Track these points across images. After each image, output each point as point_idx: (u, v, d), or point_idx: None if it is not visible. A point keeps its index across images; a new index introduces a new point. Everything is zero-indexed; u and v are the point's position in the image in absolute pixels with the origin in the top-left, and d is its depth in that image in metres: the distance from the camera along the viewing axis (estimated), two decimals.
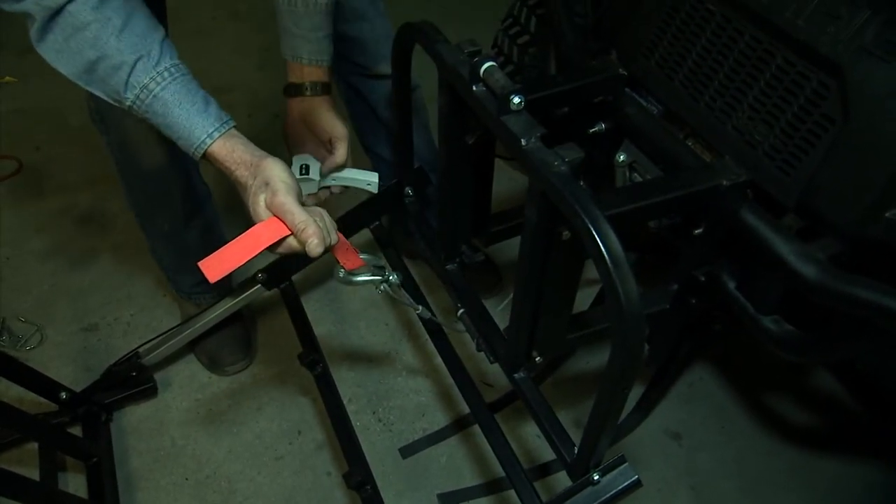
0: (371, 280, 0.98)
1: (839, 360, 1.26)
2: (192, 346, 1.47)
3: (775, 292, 0.86)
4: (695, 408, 1.42)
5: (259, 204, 0.84)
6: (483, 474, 1.31)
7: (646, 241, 1.23)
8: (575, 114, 1.03)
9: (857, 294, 0.72)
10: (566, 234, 0.76)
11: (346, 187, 1.15)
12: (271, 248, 0.85)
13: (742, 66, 0.87)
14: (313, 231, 0.83)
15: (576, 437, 0.87)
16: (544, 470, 1.30)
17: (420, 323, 1.27)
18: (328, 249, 0.88)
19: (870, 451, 1.35)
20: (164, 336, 1.37)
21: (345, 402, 1.33)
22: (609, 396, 0.74)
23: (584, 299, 1.38)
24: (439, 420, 1.40)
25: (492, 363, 1.05)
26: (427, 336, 1.26)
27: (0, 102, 2.13)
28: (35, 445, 1.23)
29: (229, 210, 1.55)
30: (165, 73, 0.82)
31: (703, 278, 0.92)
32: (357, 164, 1.15)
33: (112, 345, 1.51)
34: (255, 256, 0.84)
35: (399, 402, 1.44)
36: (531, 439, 1.36)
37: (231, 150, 0.86)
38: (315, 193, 1.10)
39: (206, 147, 0.85)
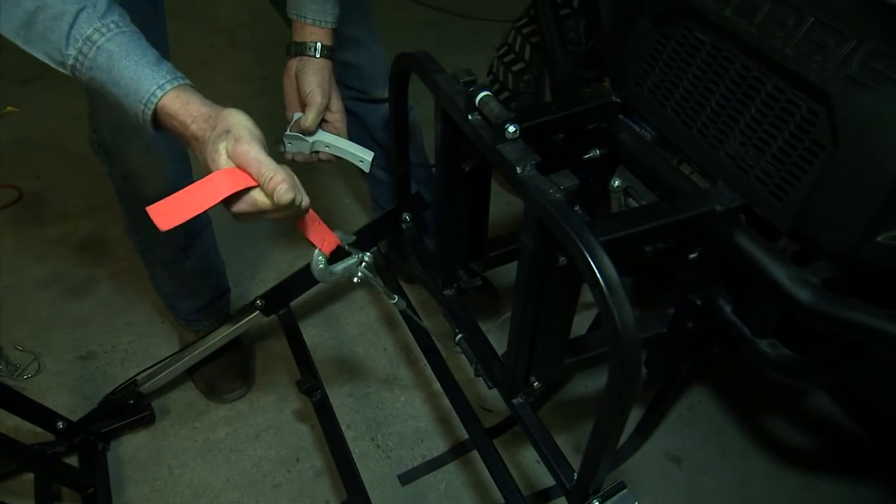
0: (348, 266, 0.92)
1: (837, 383, 1.26)
2: (190, 374, 1.47)
3: (771, 316, 0.87)
4: (695, 431, 1.42)
5: (219, 153, 0.73)
6: (483, 501, 1.30)
7: (643, 264, 1.24)
8: (570, 140, 1.04)
9: (850, 318, 0.73)
10: (562, 259, 0.76)
11: (338, 158, 1.12)
12: (230, 205, 0.75)
13: (733, 94, 0.89)
14: (282, 178, 0.73)
15: (576, 461, 0.87)
16: (544, 496, 1.29)
17: (419, 347, 1.27)
18: (299, 212, 0.78)
19: (870, 473, 1.34)
20: (162, 364, 1.36)
21: (343, 428, 1.32)
22: (607, 422, 0.74)
23: (582, 322, 1.39)
24: (438, 446, 1.40)
25: (490, 388, 1.05)
26: (426, 360, 1.26)
27: (1, 132, 2.15)
28: (31, 476, 1.22)
29: (225, 233, 1.56)
30: (112, 25, 0.74)
31: (699, 302, 0.92)
32: (353, 182, 1.15)
33: (110, 373, 1.50)
34: (211, 208, 0.74)
35: (398, 427, 1.43)
36: (531, 465, 1.35)
37: (185, 103, 0.75)
38: (306, 154, 1.12)
39: (156, 100, 0.74)
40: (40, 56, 0.75)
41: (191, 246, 1.35)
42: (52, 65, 0.76)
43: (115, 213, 1.85)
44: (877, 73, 0.72)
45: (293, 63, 1.08)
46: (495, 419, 1.41)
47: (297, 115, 1.10)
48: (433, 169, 1.25)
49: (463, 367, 1.42)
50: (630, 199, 1.06)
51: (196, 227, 1.35)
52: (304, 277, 1.33)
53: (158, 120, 0.77)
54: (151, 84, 0.74)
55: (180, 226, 1.28)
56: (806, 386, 1.41)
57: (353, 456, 1.18)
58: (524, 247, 0.77)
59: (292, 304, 1.38)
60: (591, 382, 1.49)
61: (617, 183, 1.05)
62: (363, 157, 1.10)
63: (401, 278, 1.51)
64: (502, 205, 1.75)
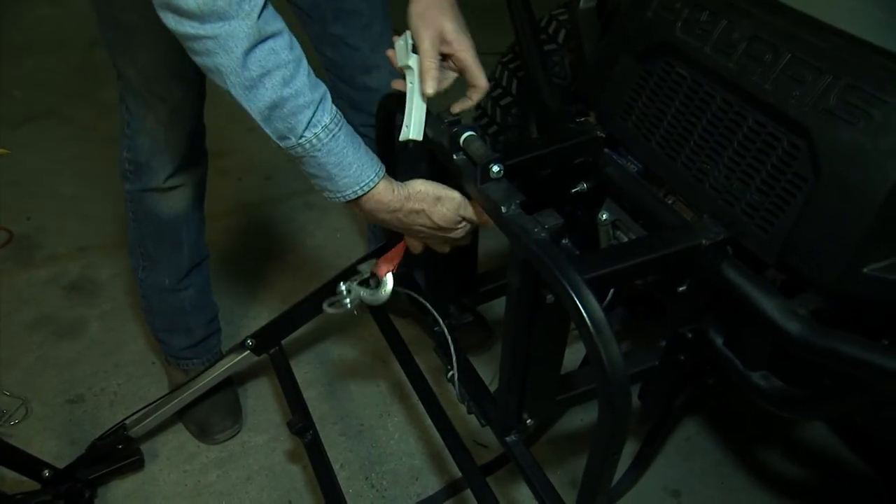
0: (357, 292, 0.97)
1: (831, 415, 1.25)
2: (180, 415, 1.45)
3: (762, 348, 0.87)
4: (693, 463, 1.40)
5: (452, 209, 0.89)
6: None
7: (635, 295, 1.24)
8: (557, 175, 1.05)
9: (840, 350, 0.72)
10: (550, 297, 0.76)
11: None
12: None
13: (715, 128, 0.90)
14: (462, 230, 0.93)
15: (572, 497, 0.85)
16: None
17: (411, 384, 1.26)
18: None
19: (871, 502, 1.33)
20: (151, 406, 1.34)
21: (337, 467, 1.30)
22: (599, 462, 0.73)
23: (576, 355, 1.37)
24: (433, 484, 1.37)
25: (483, 426, 1.03)
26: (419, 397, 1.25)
27: None
28: None
29: (217, 270, 1.55)
30: (339, 115, 0.81)
31: (690, 335, 0.92)
32: (348, 216, 1.15)
33: (99, 416, 1.48)
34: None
35: (392, 466, 1.41)
36: (526, 502, 1.32)
37: (391, 188, 0.86)
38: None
39: (373, 185, 0.84)
40: (268, 131, 0.79)
41: (191, 275, 1.39)
42: (275, 139, 0.80)
43: (104, 254, 1.87)
44: (854, 108, 0.73)
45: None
46: (490, 454, 1.38)
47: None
48: None
49: (456, 402, 1.41)
50: (618, 232, 1.06)
51: (197, 258, 1.39)
52: (295, 315, 1.32)
53: (360, 200, 0.86)
54: (371, 172, 0.83)
55: (185, 250, 1.34)
56: (800, 418, 1.39)
57: (347, 497, 1.16)
58: (511, 285, 0.77)
59: (284, 341, 1.36)
60: (587, 416, 1.47)
61: (605, 216, 1.06)
62: (407, 124, 0.90)
63: (392, 314, 1.50)
64: (492, 236, 1.75)
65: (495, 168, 0.77)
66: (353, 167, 0.82)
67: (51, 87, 2.56)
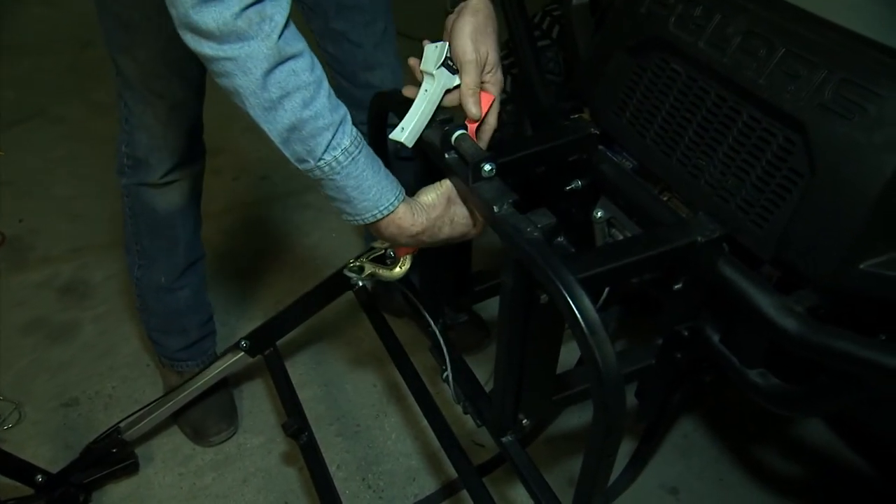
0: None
1: (828, 412, 1.25)
2: (175, 418, 1.44)
3: (759, 346, 0.86)
4: (691, 460, 1.39)
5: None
6: None
7: (630, 292, 1.23)
8: (551, 172, 1.04)
9: (837, 347, 0.71)
10: (544, 297, 0.75)
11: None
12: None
13: (710, 123, 0.89)
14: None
15: (569, 496, 0.84)
16: None
17: (406, 384, 1.25)
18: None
19: (870, 499, 1.32)
20: (146, 409, 1.33)
21: (333, 468, 1.29)
22: (595, 463, 0.72)
23: (572, 353, 1.36)
24: (431, 484, 1.37)
25: (479, 427, 1.03)
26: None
27: None
28: None
29: (212, 270, 1.54)
30: (359, 137, 0.80)
31: (686, 333, 0.91)
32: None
33: (93, 419, 1.47)
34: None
35: (389, 466, 1.40)
36: (523, 502, 1.32)
37: (412, 213, 0.85)
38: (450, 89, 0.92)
39: (393, 209, 0.82)
40: (287, 154, 0.78)
41: (187, 274, 1.39)
42: (293, 162, 0.78)
43: (98, 255, 1.86)
44: (849, 102, 0.72)
45: (450, 18, 0.92)
46: (488, 454, 1.38)
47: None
48: None
49: (453, 402, 1.40)
50: (613, 230, 1.05)
51: (192, 256, 1.39)
52: (290, 316, 1.32)
53: (379, 223, 0.84)
54: (390, 195, 0.81)
55: (181, 248, 1.33)
56: (797, 415, 1.39)
57: (344, 498, 1.16)
58: (505, 285, 0.76)
59: (279, 342, 1.36)
60: (585, 414, 1.47)
61: (600, 213, 1.04)
62: (404, 126, 0.89)
63: (388, 313, 1.49)
64: (487, 234, 1.74)
65: (487, 167, 0.76)
66: (372, 190, 0.80)
67: (43, 88, 2.54)
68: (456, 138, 0.80)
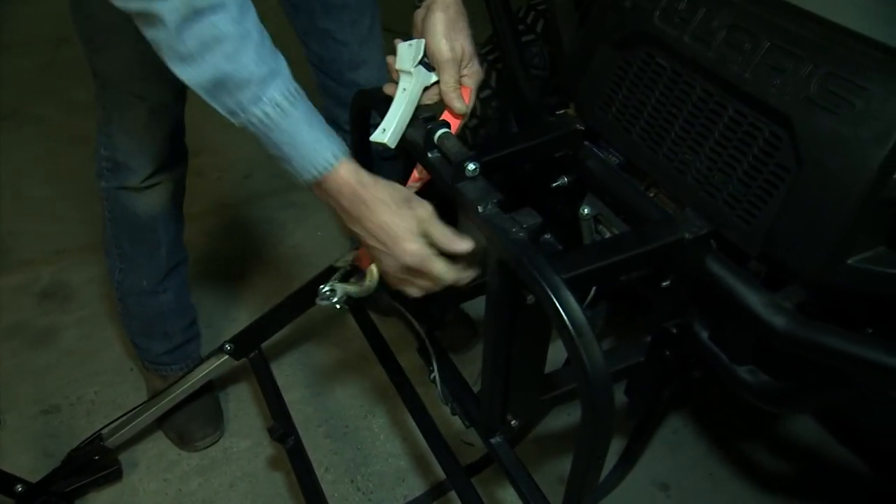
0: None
1: (817, 408, 1.25)
2: (159, 423, 1.41)
3: (748, 342, 0.85)
4: (681, 455, 1.39)
5: (406, 219, 0.79)
6: None
7: (618, 289, 1.22)
8: (536, 169, 1.03)
9: (826, 343, 0.71)
10: (530, 298, 0.74)
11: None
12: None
13: (696, 118, 0.88)
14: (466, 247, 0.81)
15: (560, 493, 0.83)
16: None
17: (394, 385, 1.23)
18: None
19: (861, 493, 1.33)
20: (129, 415, 1.31)
21: (321, 471, 1.28)
22: (585, 463, 0.71)
23: (559, 351, 1.36)
24: (420, 485, 1.35)
25: (467, 428, 1.02)
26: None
27: None
28: None
29: (196, 272, 1.52)
30: (296, 92, 0.77)
31: (675, 330, 0.91)
32: (329, 216, 1.08)
33: (75, 426, 1.44)
34: None
35: (378, 467, 1.39)
36: (512, 502, 1.31)
37: (356, 172, 0.79)
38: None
39: (331, 167, 0.78)
40: (216, 106, 0.76)
41: (169, 277, 1.36)
42: (224, 115, 0.76)
43: (78, 258, 1.82)
44: (835, 96, 0.72)
45: (419, 14, 0.89)
46: (478, 452, 1.37)
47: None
48: None
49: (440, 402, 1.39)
50: (601, 226, 1.04)
51: (175, 259, 1.36)
52: (274, 319, 1.30)
53: (321, 183, 0.80)
54: (327, 152, 0.77)
55: (163, 251, 1.30)
56: (787, 412, 1.39)
57: (332, 501, 1.15)
58: (490, 286, 0.75)
59: (264, 344, 1.34)
60: (574, 411, 1.46)
61: (586, 210, 1.03)
62: (385, 127, 0.87)
63: (375, 312, 1.47)
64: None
65: (470, 166, 0.75)
66: (306, 146, 0.76)
67: (20, 87, 2.49)
68: (439, 137, 0.78)
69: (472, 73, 0.88)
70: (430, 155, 0.80)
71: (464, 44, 0.86)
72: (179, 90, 1.14)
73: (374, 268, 0.88)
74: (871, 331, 0.81)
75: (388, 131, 0.85)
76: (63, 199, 2.01)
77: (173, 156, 1.23)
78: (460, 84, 0.87)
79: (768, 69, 0.78)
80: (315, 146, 0.77)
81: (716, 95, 0.85)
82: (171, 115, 1.17)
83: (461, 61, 0.86)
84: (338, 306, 0.91)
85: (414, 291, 0.84)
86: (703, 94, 0.86)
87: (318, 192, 0.82)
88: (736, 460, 1.38)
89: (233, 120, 0.76)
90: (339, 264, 0.95)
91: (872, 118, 0.69)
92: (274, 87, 0.74)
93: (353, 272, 0.94)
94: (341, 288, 0.90)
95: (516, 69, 1.22)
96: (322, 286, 0.91)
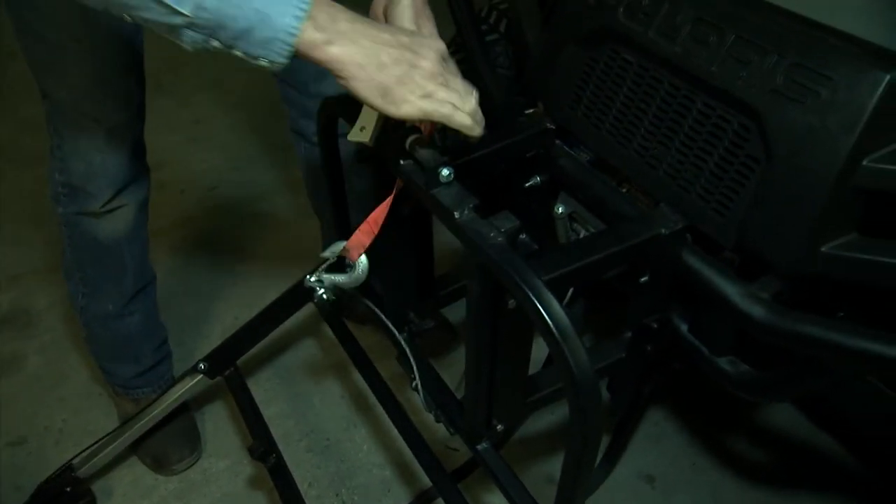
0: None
1: (798, 396, 1.27)
2: (133, 448, 1.37)
3: (727, 333, 0.86)
4: (664, 447, 1.40)
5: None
6: None
7: (594, 287, 1.22)
8: (509, 170, 1.02)
9: (804, 332, 0.72)
10: (511, 302, 0.73)
11: None
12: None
13: (665, 113, 0.88)
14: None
15: (548, 492, 0.82)
16: None
17: (374, 394, 1.22)
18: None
19: (844, 480, 1.35)
20: (101, 442, 1.26)
21: (305, 486, 1.25)
22: (576, 464, 0.71)
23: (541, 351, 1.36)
24: (406, 494, 1.34)
25: (452, 435, 1.00)
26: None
27: None
28: None
29: (165, 289, 1.48)
30: None
31: (654, 325, 0.91)
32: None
33: (44, 457, 1.39)
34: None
35: (363, 479, 1.37)
36: None
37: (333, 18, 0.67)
38: None
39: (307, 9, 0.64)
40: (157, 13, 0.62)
41: (136, 299, 1.31)
42: (170, 2, 0.61)
43: (39, 281, 1.76)
44: (801, 87, 0.72)
45: (378, 4, 0.83)
46: (462, 457, 1.36)
47: None
48: None
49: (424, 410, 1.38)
50: (576, 224, 1.04)
51: (142, 281, 1.31)
52: (248, 334, 1.27)
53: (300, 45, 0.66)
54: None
55: (129, 274, 1.25)
56: (768, 401, 1.41)
57: None
58: (471, 293, 0.74)
59: (239, 361, 1.30)
60: (557, 409, 1.46)
61: (561, 209, 1.03)
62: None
63: (350, 321, 1.45)
64: (446, 235, 1.72)
65: (444, 172, 0.74)
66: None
67: None
68: (410, 143, 0.77)
69: None
70: (402, 162, 0.79)
71: (431, 31, 0.81)
72: (137, 109, 1.10)
73: (362, 259, 0.86)
74: (842, 314, 0.82)
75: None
76: (17, 221, 1.93)
77: (134, 176, 1.18)
78: None
79: (734, 62, 0.78)
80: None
81: (683, 89, 0.85)
82: (130, 134, 1.13)
83: None
84: (324, 296, 0.89)
85: (445, 108, 0.74)
86: (671, 88, 0.86)
87: (305, 47, 0.67)
88: (718, 449, 1.40)
89: (179, 17, 0.62)
90: (325, 255, 0.92)
91: (838, 107, 0.70)
92: None
93: (340, 263, 0.92)
94: (328, 278, 0.88)
95: (482, 69, 1.21)
96: (308, 276, 0.89)
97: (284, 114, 1.32)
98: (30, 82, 1.06)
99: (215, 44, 0.65)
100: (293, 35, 0.65)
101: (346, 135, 0.86)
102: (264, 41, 0.64)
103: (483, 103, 0.83)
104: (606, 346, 0.95)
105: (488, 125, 1.36)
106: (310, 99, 1.22)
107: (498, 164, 0.98)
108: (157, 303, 1.39)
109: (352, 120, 0.86)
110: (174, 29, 0.63)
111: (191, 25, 0.63)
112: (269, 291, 1.66)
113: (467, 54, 1.29)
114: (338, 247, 0.91)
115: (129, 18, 0.64)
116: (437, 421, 1.02)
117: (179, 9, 0.61)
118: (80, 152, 1.10)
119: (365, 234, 0.89)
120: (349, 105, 0.89)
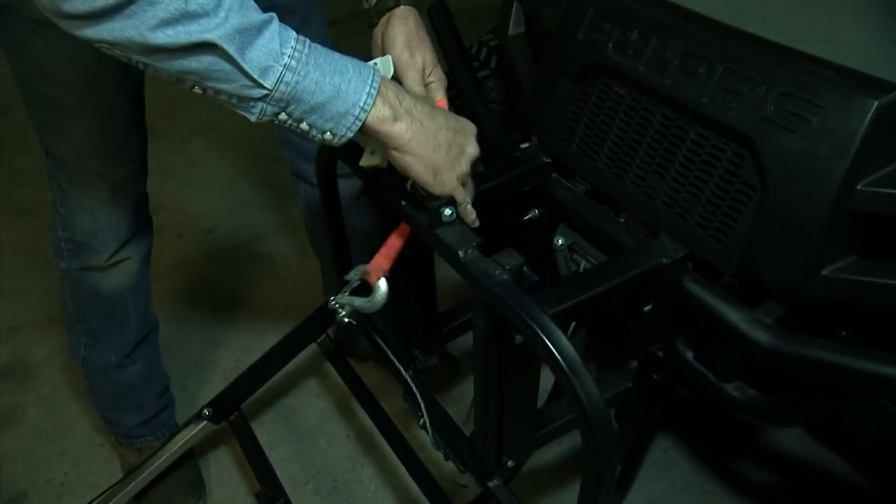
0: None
1: (806, 421, 1.27)
2: (137, 499, 1.34)
3: (733, 360, 0.86)
4: (674, 474, 1.39)
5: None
6: None
7: (597, 316, 1.22)
8: (508, 204, 1.03)
9: (810, 355, 0.72)
10: (518, 338, 0.73)
11: None
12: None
13: (659, 144, 0.89)
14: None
15: None
16: None
17: (380, 432, 1.20)
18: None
19: (847, 496, 1.34)
20: (104, 494, 1.24)
21: None
22: (592, 497, 0.70)
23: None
24: None
25: (462, 472, 0.99)
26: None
27: None
28: None
29: (164, 336, 1.47)
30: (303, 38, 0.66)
31: (660, 353, 0.91)
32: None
33: None
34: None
35: None
36: None
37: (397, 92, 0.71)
38: None
39: (377, 89, 0.68)
40: (249, 69, 0.62)
41: (138, 349, 1.30)
42: (258, 78, 0.63)
43: (37, 332, 1.74)
44: (792, 115, 0.74)
45: (377, 31, 0.86)
46: (472, 493, 1.34)
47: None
48: None
49: (430, 444, 1.36)
50: (576, 255, 1.05)
51: (145, 329, 1.30)
52: (251, 378, 1.26)
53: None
54: (366, 73, 0.68)
55: (133, 324, 1.23)
56: (777, 426, 1.40)
57: None
58: (477, 330, 0.74)
59: (243, 405, 1.29)
60: (565, 439, 1.45)
61: (560, 241, 1.04)
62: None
63: (353, 359, 1.45)
64: (447, 270, 1.72)
65: (447, 211, 0.75)
66: (346, 75, 0.66)
67: None
68: (411, 184, 0.78)
69: (438, 79, 0.85)
70: (403, 203, 0.80)
71: (425, 53, 0.83)
72: (141, 163, 1.11)
73: (382, 283, 0.87)
74: (844, 334, 0.83)
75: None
76: (13, 272, 1.92)
77: (138, 229, 1.18)
78: (431, 96, 0.84)
79: (724, 92, 0.80)
80: (356, 65, 0.67)
81: (676, 120, 0.87)
82: (133, 188, 1.13)
83: (423, 70, 0.83)
84: (346, 319, 0.90)
85: (468, 199, 0.82)
86: (664, 119, 0.88)
87: (374, 121, 0.71)
88: (728, 475, 1.38)
89: (265, 81, 0.63)
90: (349, 277, 0.92)
91: (830, 134, 0.72)
92: (280, 27, 0.65)
93: (363, 287, 0.91)
94: (349, 301, 0.89)
95: (476, 105, 1.23)
96: (332, 297, 0.89)
97: (284, 158, 1.34)
98: (25, 133, 1.06)
99: (283, 116, 0.68)
100: (365, 111, 0.68)
101: (345, 175, 0.88)
102: (337, 115, 0.68)
103: (478, 139, 0.85)
104: (613, 376, 0.95)
105: (483, 161, 1.38)
106: (309, 142, 1.23)
107: (497, 199, 1.00)
108: (159, 350, 1.38)
109: (350, 161, 0.87)
110: (248, 100, 0.65)
111: (266, 98, 0.64)
112: (269, 333, 1.66)
113: (459, 90, 1.32)
114: (359, 270, 0.91)
115: (198, 90, 0.65)
116: (447, 459, 1.01)
117: (263, 82, 0.62)
118: (84, 208, 1.10)
119: (385, 258, 0.90)
120: (347, 147, 0.90)
